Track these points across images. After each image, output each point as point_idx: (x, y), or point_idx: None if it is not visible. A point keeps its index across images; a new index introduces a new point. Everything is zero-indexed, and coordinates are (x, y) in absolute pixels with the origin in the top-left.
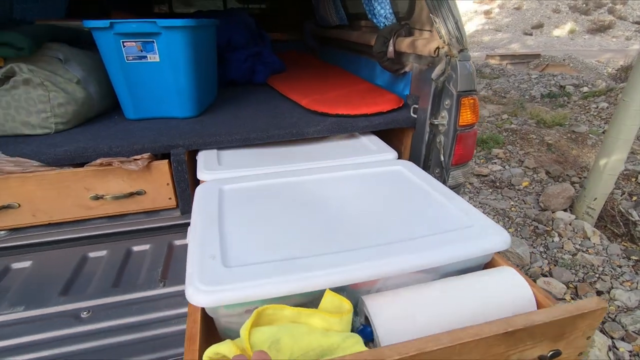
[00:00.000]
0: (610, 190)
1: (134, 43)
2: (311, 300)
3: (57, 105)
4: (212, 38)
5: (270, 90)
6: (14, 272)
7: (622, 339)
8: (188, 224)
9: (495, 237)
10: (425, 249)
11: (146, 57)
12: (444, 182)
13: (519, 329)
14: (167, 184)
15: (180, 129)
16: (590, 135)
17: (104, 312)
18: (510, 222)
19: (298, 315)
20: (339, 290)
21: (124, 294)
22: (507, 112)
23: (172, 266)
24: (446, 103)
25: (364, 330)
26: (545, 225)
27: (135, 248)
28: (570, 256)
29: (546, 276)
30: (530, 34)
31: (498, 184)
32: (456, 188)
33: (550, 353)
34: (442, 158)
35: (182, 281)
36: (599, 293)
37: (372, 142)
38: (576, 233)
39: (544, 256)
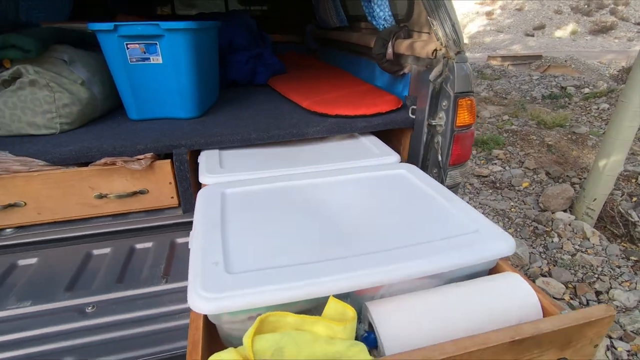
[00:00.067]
0: (609, 191)
1: (137, 45)
2: (315, 306)
3: (62, 106)
4: (214, 40)
5: (271, 91)
6: (20, 269)
7: (621, 339)
8: (190, 223)
9: (500, 242)
10: (430, 255)
11: (149, 58)
12: (442, 182)
13: (527, 338)
14: (170, 183)
15: (183, 129)
16: (590, 136)
17: (108, 307)
18: (510, 222)
19: (302, 323)
20: (343, 296)
21: (127, 289)
22: (507, 113)
23: (175, 263)
24: (444, 104)
25: (368, 337)
26: (544, 225)
27: (139, 245)
28: (570, 256)
29: (545, 276)
30: (532, 35)
31: (498, 185)
32: (454, 188)
33: None
34: (440, 158)
35: (184, 277)
36: (597, 293)
37: (373, 143)
38: (575, 233)
39: (543, 256)
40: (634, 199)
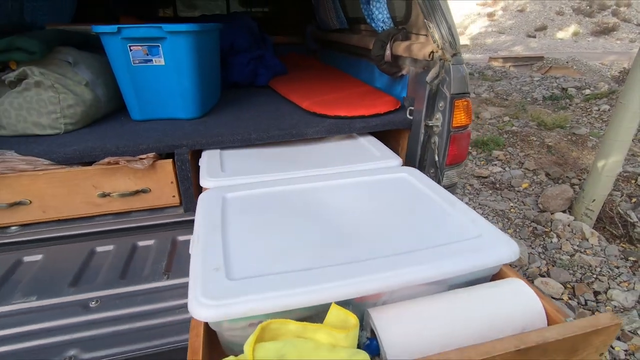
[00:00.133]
0: (608, 191)
1: (140, 47)
2: (316, 313)
3: (67, 107)
4: (215, 42)
5: (272, 92)
6: (26, 265)
7: (618, 339)
8: (191, 221)
9: (504, 247)
10: (433, 261)
11: (152, 60)
12: (439, 182)
13: (532, 347)
14: (171, 183)
15: (184, 129)
16: (590, 137)
17: (112, 302)
18: (509, 223)
19: (303, 330)
20: (345, 303)
21: (130, 285)
22: (508, 114)
23: (176, 260)
24: (440, 105)
25: (370, 344)
26: (544, 226)
27: (141, 243)
28: (568, 257)
29: (544, 276)
30: (534, 36)
31: (498, 186)
32: (451, 187)
33: None
34: (437, 158)
35: (184, 274)
36: (596, 293)
37: (373, 145)
38: (574, 234)
39: (542, 257)
40: (633, 199)
